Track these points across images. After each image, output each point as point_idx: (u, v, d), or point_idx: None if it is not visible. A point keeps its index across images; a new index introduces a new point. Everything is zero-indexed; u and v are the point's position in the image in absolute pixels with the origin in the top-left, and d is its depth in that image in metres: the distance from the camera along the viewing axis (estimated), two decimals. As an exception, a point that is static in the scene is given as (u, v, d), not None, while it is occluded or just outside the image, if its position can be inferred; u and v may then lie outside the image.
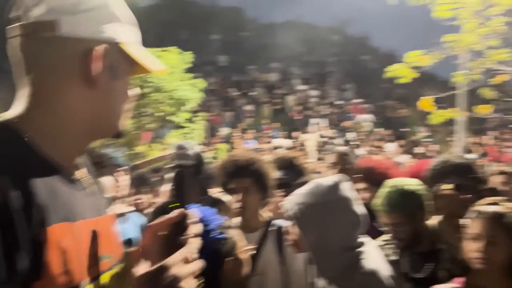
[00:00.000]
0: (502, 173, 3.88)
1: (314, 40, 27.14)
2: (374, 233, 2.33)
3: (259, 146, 14.59)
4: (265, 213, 2.44)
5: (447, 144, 16.02)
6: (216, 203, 2.62)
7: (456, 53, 8.28)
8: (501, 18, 7.40)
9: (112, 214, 1.05)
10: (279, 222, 2.39)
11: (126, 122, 0.99)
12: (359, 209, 1.76)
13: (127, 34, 0.94)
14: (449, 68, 9.14)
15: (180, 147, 2.03)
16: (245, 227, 2.31)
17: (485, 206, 1.88)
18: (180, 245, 0.84)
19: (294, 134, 15.72)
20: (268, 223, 2.38)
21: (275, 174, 2.52)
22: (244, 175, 2.31)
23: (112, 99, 0.93)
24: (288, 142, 14.89)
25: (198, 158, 2.43)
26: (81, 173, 0.97)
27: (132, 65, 0.95)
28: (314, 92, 19.66)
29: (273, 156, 3.75)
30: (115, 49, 0.91)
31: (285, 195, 3.40)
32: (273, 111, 18.58)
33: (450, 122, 11.45)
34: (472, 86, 9.15)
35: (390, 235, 2.20)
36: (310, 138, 15.59)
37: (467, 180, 2.38)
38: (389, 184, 2.21)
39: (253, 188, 2.31)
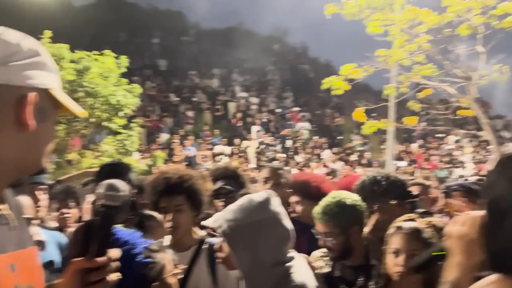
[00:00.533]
0: (416, 184, 4.04)
1: (254, 47, 27.47)
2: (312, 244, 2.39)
3: (199, 153, 14.48)
4: (198, 231, 2.40)
5: (379, 152, 16.86)
6: (147, 219, 2.55)
7: (387, 67, 8.75)
8: (425, 36, 7.91)
9: (35, 245, 1.08)
10: (212, 239, 2.36)
11: (47, 159, 1.04)
12: (289, 224, 1.78)
13: (54, 81, 1.01)
14: (382, 80, 9.66)
15: (110, 187, 1.91)
16: (177, 246, 2.25)
17: (404, 221, 1.99)
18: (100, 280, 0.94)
19: (235, 141, 15.77)
20: (201, 241, 2.34)
21: (209, 189, 2.46)
22: (175, 193, 2.24)
23: (40, 140, 0.99)
24: (228, 149, 14.92)
25: (127, 200, 2.29)
26: (4, 207, 0.99)
27: (58, 108, 1.02)
28: (254, 100, 19.86)
29: (214, 166, 3.73)
30: (44, 94, 0.98)
31: (226, 206, 3.40)
32: (214, 118, 18.53)
33: (383, 131, 12.08)
34: (401, 98, 9.70)
35: (322, 244, 2.25)
36: (251, 145, 15.73)
37: (403, 197, 2.48)
38: (332, 195, 2.28)
39: (185, 207, 2.24)
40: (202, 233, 2.41)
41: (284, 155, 15.40)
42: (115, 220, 1.21)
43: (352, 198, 2.25)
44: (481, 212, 1.04)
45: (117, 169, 2.73)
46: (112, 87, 9.54)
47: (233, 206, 1.77)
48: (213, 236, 2.33)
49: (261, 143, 16.05)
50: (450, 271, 1.06)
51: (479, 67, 7.72)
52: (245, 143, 15.83)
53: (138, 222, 2.62)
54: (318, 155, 15.96)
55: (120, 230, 1.80)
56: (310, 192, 3.04)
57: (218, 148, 15.03)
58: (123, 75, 10.37)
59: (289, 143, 16.73)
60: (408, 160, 15.31)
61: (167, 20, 28.04)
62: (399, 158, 15.57)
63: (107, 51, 9.96)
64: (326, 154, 16.02)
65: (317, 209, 2.25)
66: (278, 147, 16.36)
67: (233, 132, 17.16)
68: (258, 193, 1.82)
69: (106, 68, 9.52)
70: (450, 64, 7.85)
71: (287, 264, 1.70)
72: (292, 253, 1.78)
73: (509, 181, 0.92)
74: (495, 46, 7.86)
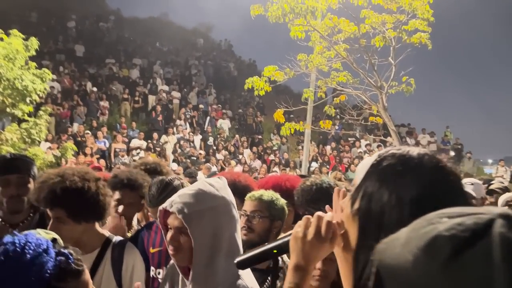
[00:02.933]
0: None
1: (178, 40, 26.94)
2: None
3: (113, 145, 13.83)
4: (103, 231, 2.26)
5: (296, 152, 17.46)
6: (49, 217, 2.36)
7: (307, 71, 9.06)
8: (343, 45, 8.33)
9: None
10: (117, 238, 2.24)
11: None
12: (236, 214, 1.74)
13: None
14: (303, 83, 9.98)
15: None
16: (80, 247, 2.10)
17: None
18: None
19: (153, 135, 15.29)
20: (106, 241, 2.21)
21: (95, 194, 2.14)
22: (50, 205, 2.03)
23: None
24: (144, 143, 14.44)
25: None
26: None
27: None
28: (176, 94, 19.43)
29: (138, 161, 3.58)
30: None
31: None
32: (133, 110, 17.82)
33: (300, 132, 12.50)
34: (318, 102, 10.12)
35: (245, 223, 2.29)
36: (170, 141, 15.38)
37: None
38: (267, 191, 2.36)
39: (64, 219, 2.02)
40: (107, 233, 2.28)
41: (204, 152, 15.29)
42: None
43: (276, 197, 2.35)
44: (324, 215, 1.04)
45: (16, 163, 2.46)
46: (18, 70, 8.73)
47: (190, 189, 1.69)
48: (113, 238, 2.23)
49: (180, 139, 15.77)
50: (288, 274, 1.05)
51: (390, 78, 8.29)
52: (164, 138, 15.44)
53: (39, 221, 2.42)
54: (238, 153, 16.08)
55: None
56: (240, 191, 3.03)
57: (134, 142, 14.48)
58: (33, 58, 9.56)
59: (210, 140, 16.64)
60: (322, 161, 16.02)
61: (86, 3, 26.46)
62: (314, 159, 16.25)
63: (14, 31, 9.11)
64: (246, 152, 16.20)
65: (253, 192, 2.35)
66: (198, 144, 16.21)
67: (152, 126, 16.63)
68: (214, 178, 1.79)
69: (12, 50, 8.68)
70: (364, 73, 8.33)
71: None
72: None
73: (379, 186, 0.90)
74: (404, 59, 8.51)
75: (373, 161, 0.95)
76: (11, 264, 1.21)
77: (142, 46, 24.73)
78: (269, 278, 2.22)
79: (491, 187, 4.59)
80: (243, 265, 1.22)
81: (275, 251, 1.13)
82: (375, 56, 8.38)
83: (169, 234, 1.67)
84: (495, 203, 3.82)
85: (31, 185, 2.40)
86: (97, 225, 2.20)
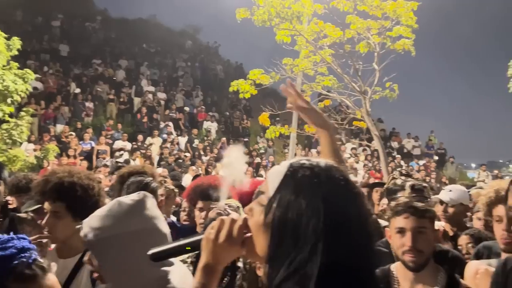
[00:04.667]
0: None
1: (165, 42, 26.81)
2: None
3: (97, 147, 13.69)
4: None
5: (283, 155, 17.49)
6: (19, 222, 2.33)
7: (293, 75, 9.10)
8: (328, 50, 8.39)
9: None
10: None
11: None
12: (165, 227, 1.63)
13: None
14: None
15: None
16: (61, 252, 2.08)
17: None
18: None
19: (138, 137, 15.16)
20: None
21: (100, 193, 2.25)
22: (53, 197, 2.05)
23: None
24: (128, 145, 14.31)
25: None
26: None
27: None
28: (162, 95, 19.32)
29: (125, 169, 3.46)
30: None
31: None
32: (118, 111, 17.65)
33: (286, 136, 12.54)
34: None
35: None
36: (155, 142, 15.27)
37: None
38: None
39: (63, 213, 2.05)
40: None
41: (190, 155, 15.22)
42: None
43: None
44: (238, 218, 1.05)
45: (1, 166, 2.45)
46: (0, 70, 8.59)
47: (101, 212, 1.57)
48: None
49: (166, 141, 15.68)
50: (197, 273, 1.07)
51: (374, 83, 8.38)
52: (149, 140, 15.33)
53: (9, 226, 2.38)
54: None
55: None
56: (206, 193, 3.03)
57: (117, 144, 14.32)
58: (16, 58, 9.41)
59: (196, 142, 16.57)
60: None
61: (72, 2, 26.16)
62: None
63: (-4, 30, 8.98)
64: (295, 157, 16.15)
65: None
66: (184, 146, 16.12)
67: (137, 128, 16.49)
68: (130, 195, 1.63)
69: (-8, 48, 8.56)
70: (348, 78, 8.40)
71: (165, 268, 1.57)
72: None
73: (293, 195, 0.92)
74: (388, 65, 8.61)
75: (286, 172, 0.97)
76: None
77: (129, 47, 24.54)
78: (228, 274, 2.24)
79: (470, 192, 4.66)
80: (157, 258, 1.21)
81: (188, 248, 1.14)
82: (359, 62, 8.46)
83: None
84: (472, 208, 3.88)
85: (1, 188, 2.38)
86: None
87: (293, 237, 0.90)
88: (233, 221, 1.05)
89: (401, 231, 2.04)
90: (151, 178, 2.68)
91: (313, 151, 17.28)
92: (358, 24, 8.21)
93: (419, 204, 2.06)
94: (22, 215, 2.27)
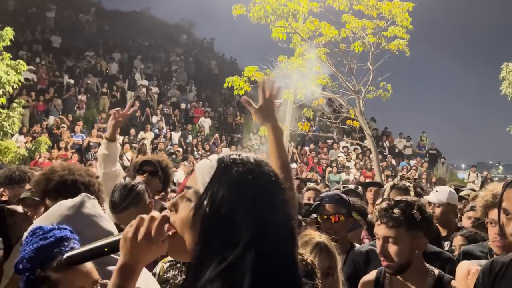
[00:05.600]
0: (310, 189, 4.37)
1: (160, 36, 26.65)
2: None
3: (89, 139, 13.60)
4: None
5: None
6: (10, 216, 2.32)
7: (287, 73, 9.11)
8: (323, 48, 8.41)
9: None
10: None
11: None
12: (108, 225, 1.65)
13: None
14: (282, 85, 10.01)
15: None
16: None
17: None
18: None
19: (130, 131, 15.08)
20: None
21: (97, 190, 2.25)
22: (55, 196, 2.04)
23: None
24: (120, 138, 14.22)
25: None
26: None
27: None
28: (155, 89, 19.23)
29: (140, 157, 3.58)
30: None
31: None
32: (111, 104, 17.53)
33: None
34: (298, 104, 10.19)
35: None
36: (147, 137, 15.21)
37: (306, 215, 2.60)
38: None
39: None
40: None
41: (182, 150, 15.18)
42: None
43: None
44: (158, 215, 1.02)
45: None
46: (-9, 60, 8.50)
47: (43, 216, 1.60)
48: None
49: (158, 135, 15.61)
50: (114, 274, 1.03)
51: (368, 83, 8.42)
52: (141, 134, 15.26)
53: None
54: (217, 152, 16.03)
55: None
56: None
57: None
58: (8, 48, 9.31)
59: (189, 137, 16.53)
60: (301, 162, 16.11)
61: (66, -7, 25.90)
62: (292, 159, 16.33)
63: (-12, 19, 8.87)
64: (226, 151, 16.14)
65: None
66: (177, 141, 16.08)
67: (129, 122, 16.40)
68: (71, 200, 1.66)
69: (-15, 39, 8.46)
70: (343, 77, 8.44)
71: (111, 268, 1.49)
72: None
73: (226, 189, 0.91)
74: (382, 65, 8.66)
75: (217, 166, 0.95)
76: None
77: (122, 40, 24.36)
78: (183, 269, 2.23)
79: (461, 193, 4.73)
80: (73, 261, 1.17)
81: (106, 249, 1.09)
82: (354, 61, 8.50)
83: None
84: (462, 209, 3.94)
85: None
86: None
87: (225, 234, 0.88)
88: (152, 219, 0.99)
89: (377, 237, 2.06)
90: (136, 181, 2.66)
91: (307, 149, 17.34)
92: (354, 24, 8.25)
93: (394, 214, 2.00)
94: (13, 207, 2.26)
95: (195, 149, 15.66)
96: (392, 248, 1.99)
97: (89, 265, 1.33)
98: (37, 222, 1.55)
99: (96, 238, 1.52)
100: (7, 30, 8.99)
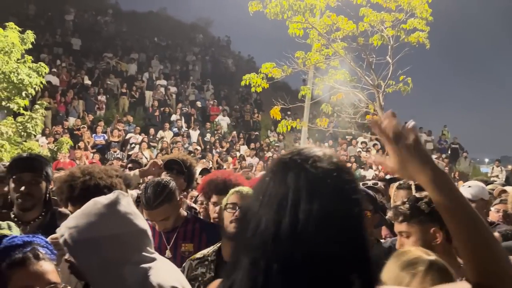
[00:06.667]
0: None
1: (176, 35, 26.82)
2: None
3: (110, 139, 13.80)
4: None
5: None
6: (60, 218, 2.36)
7: (305, 69, 9.05)
8: (341, 43, 8.31)
9: None
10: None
11: None
12: (142, 223, 1.65)
13: None
14: (300, 81, 9.97)
15: None
16: None
17: None
18: None
19: (150, 130, 15.26)
20: None
21: (124, 189, 2.27)
22: (80, 202, 2.05)
23: None
24: (140, 138, 14.39)
25: None
26: None
27: None
28: (173, 89, 19.38)
29: (168, 156, 3.80)
30: None
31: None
32: (130, 105, 17.75)
33: (298, 129, 12.50)
34: (316, 100, 10.11)
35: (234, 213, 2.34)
36: (166, 136, 15.34)
37: None
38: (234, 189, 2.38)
39: None
40: None
41: (200, 148, 15.26)
42: None
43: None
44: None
45: (30, 162, 2.49)
46: (14, 64, 8.66)
47: (77, 212, 1.60)
48: None
49: (177, 134, 15.73)
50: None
51: (387, 77, 8.29)
52: (160, 133, 15.41)
53: (50, 220, 2.41)
54: (236, 150, 16.07)
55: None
56: (220, 188, 3.03)
57: (130, 137, 14.43)
58: (30, 51, 9.49)
59: (207, 136, 16.61)
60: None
61: (84, -4, 26.28)
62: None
63: (11, 24, 9.04)
64: (243, 149, 16.18)
65: (239, 187, 2.42)
66: (196, 139, 16.17)
67: (149, 121, 16.58)
68: (106, 196, 1.66)
69: (8, 43, 8.62)
70: (361, 71, 8.32)
71: (145, 265, 1.57)
72: (154, 254, 1.66)
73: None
74: (402, 58, 8.51)
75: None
76: None
77: (140, 41, 24.59)
78: (212, 266, 2.25)
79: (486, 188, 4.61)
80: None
81: None
82: (372, 55, 8.38)
83: None
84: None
85: (43, 185, 2.45)
86: None
87: None
88: None
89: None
90: (168, 179, 2.71)
91: (325, 145, 17.22)
92: (372, 17, 8.12)
93: (402, 208, 2.05)
94: (64, 210, 2.30)
95: (213, 147, 15.73)
96: (406, 242, 2.01)
97: (47, 267, 1.39)
98: (72, 218, 1.56)
99: (130, 236, 1.56)
100: (28, 34, 9.16)
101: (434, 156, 17.52)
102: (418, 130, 1.22)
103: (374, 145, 16.83)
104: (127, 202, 1.64)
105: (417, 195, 2.11)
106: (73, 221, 1.54)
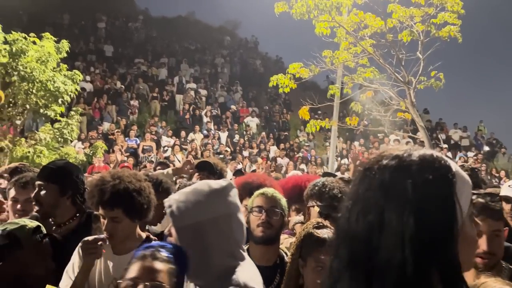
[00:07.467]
0: None
1: (205, 39, 27.14)
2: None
3: (142, 144, 14.12)
4: (142, 233, 2.33)
5: (323, 149, 17.31)
6: (95, 221, 2.45)
7: (333, 68, 8.97)
8: (370, 40, 8.19)
9: None
10: (155, 242, 2.29)
11: None
12: (243, 219, 1.69)
13: None
14: (330, 79, 9.88)
15: None
16: (117, 249, 2.20)
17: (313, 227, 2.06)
18: None
19: (181, 133, 15.51)
20: (143, 243, 2.25)
21: (150, 193, 2.29)
22: (111, 206, 2.15)
23: None
24: (172, 141, 14.65)
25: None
26: None
27: None
28: (203, 92, 19.63)
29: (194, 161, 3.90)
30: None
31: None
32: (161, 108, 18.11)
33: (327, 129, 12.41)
34: (345, 98, 10.01)
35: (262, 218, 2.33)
36: (197, 138, 15.55)
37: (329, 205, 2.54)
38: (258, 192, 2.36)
39: (121, 218, 2.16)
40: (144, 235, 2.34)
41: (230, 149, 15.38)
42: None
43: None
44: None
45: (41, 171, 2.60)
46: (50, 72, 9.01)
47: (188, 189, 1.65)
48: (150, 240, 2.27)
49: (207, 136, 15.92)
50: None
51: (418, 73, 8.10)
52: (191, 136, 15.63)
53: (85, 221, 2.51)
54: (265, 150, 16.11)
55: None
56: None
57: (163, 140, 14.73)
58: (65, 59, 9.86)
59: (236, 137, 16.72)
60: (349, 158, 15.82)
61: (114, 4, 27.00)
62: (341, 155, 16.08)
63: (47, 34, 9.42)
64: (273, 149, 16.19)
65: (264, 189, 2.37)
66: (224, 141, 16.31)
67: (180, 124, 16.87)
68: (217, 181, 1.71)
69: (44, 52, 8.98)
70: (391, 68, 8.17)
71: (236, 260, 1.61)
72: (245, 254, 1.69)
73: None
74: (433, 53, 8.29)
75: None
76: None
77: (169, 45, 25.04)
78: (278, 274, 2.24)
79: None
80: None
81: None
82: (402, 51, 8.21)
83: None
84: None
85: (51, 193, 2.50)
86: (138, 228, 2.30)
87: None
88: None
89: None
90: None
91: (356, 144, 17.00)
92: (400, 13, 7.96)
93: (497, 206, 1.97)
94: (99, 213, 2.40)
95: (242, 148, 15.82)
96: (497, 242, 1.94)
97: (159, 267, 1.45)
98: (182, 193, 1.63)
99: (230, 224, 1.60)
100: (63, 43, 9.52)
101: (472, 153, 16.96)
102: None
103: (407, 142, 16.46)
104: (234, 193, 1.68)
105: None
106: (183, 195, 1.61)
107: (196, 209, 1.57)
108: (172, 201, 1.61)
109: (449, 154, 16.45)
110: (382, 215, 0.85)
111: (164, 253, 1.46)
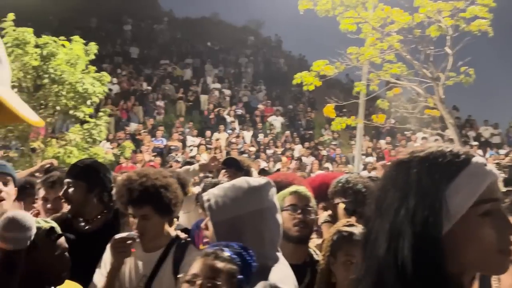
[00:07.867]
0: None
1: (228, 39, 27.24)
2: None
3: (169, 143, 14.30)
4: (171, 230, 2.35)
5: (349, 147, 17.11)
6: (122, 216, 2.49)
7: (358, 64, 8.84)
8: (396, 36, 8.03)
9: None
10: (181, 240, 2.30)
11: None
12: (280, 219, 1.68)
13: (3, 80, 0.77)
14: (354, 76, 9.74)
15: (11, 226, 1.60)
16: (146, 247, 2.23)
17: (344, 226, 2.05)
18: None
19: (206, 133, 15.64)
20: (171, 241, 2.27)
21: (178, 191, 2.31)
22: (140, 203, 2.17)
23: None
24: (198, 141, 14.79)
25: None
26: None
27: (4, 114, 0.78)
28: (227, 92, 19.73)
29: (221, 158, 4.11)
30: None
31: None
32: (186, 108, 18.30)
33: (352, 127, 12.26)
34: (371, 96, 9.86)
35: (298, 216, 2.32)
36: (221, 138, 15.64)
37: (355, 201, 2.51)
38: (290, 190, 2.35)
39: (151, 215, 2.18)
40: (174, 233, 2.36)
41: (255, 148, 15.39)
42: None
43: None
44: None
45: (70, 169, 2.66)
46: (79, 74, 9.24)
47: (227, 184, 1.68)
48: (179, 238, 2.30)
49: (232, 135, 15.98)
50: None
51: (447, 69, 7.90)
52: (215, 135, 15.73)
53: (112, 218, 2.56)
54: (289, 149, 16.05)
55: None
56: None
57: (189, 140, 14.88)
58: (93, 62, 10.08)
59: (261, 136, 16.73)
60: (376, 156, 15.59)
61: (140, 6, 27.40)
62: (367, 153, 15.85)
63: (76, 37, 9.65)
64: (298, 148, 16.12)
65: (297, 187, 2.36)
66: (250, 140, 16.34)
67: (204, 124, 17.01)
68: (256, 178, 1.74)
69: (73, 55, 9.22)
70: (419, 64, 8.00)
71: (270, 260, 1.60)
72: (280, 254, 1.68)
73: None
74: (462, 48, 8.06)
75: None
76: None
77: (194, 46, 25.26)
78: (308, 272, 2.21)
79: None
80: None
81: None
82: (430, 47, 8.01)
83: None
84: None
85: (79, 190, 2.55)
86: (166, 225, 2.31)
87: None
88: None
89: None
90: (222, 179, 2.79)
91: (382, 142, 16.74)
92: (428, 7, 7.78)
93: None
94: (129, 212, 2.44)
95: (266, 147, 15.81)
96: None
97: (219, 266, 1.46)
98: (221, 188, 1.65)
99: (267, 222, 1.59)
100: (91, 46, 9.74)
101: (505, 150, 16.41)
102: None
103: (436, 140, 16.09)
104: (273, 192, 1.69)
105: None
106: (221, 190, 1.63)
107: (233, 204, 1.58)
108: (211, 195, 1.62)
109: (479, 151, 15.99)
110: (399, 210, 0.88)
111: (227, 253, 1.47)
